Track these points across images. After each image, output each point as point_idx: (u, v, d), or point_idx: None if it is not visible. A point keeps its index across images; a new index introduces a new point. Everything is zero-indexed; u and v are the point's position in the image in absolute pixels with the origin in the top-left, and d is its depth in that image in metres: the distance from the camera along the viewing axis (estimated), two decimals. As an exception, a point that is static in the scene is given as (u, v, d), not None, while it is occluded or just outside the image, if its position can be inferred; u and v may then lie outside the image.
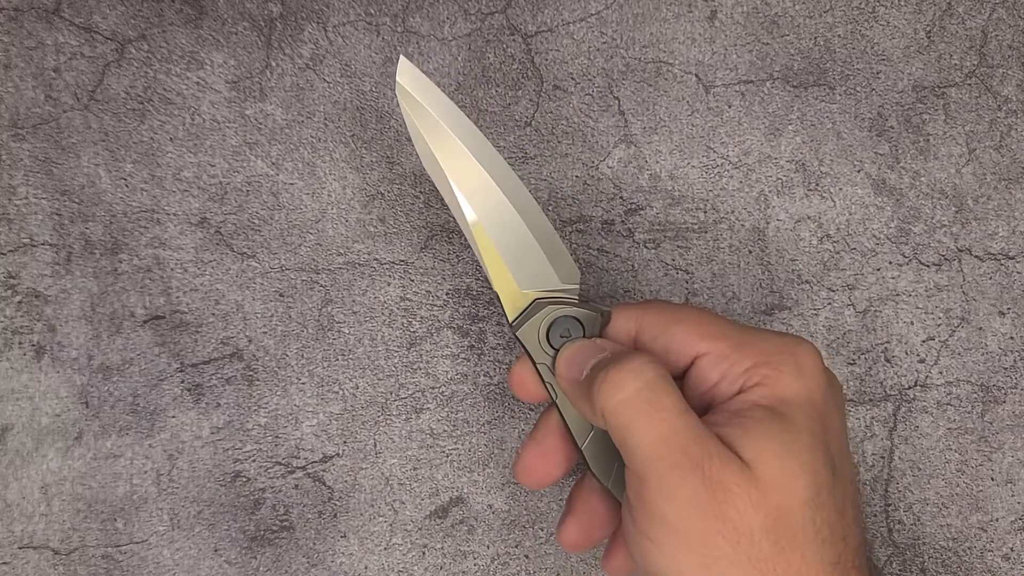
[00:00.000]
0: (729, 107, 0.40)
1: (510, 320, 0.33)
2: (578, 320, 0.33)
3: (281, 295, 0.40)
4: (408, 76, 0.33)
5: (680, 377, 0.32)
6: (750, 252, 0.40)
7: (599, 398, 0.29)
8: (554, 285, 0.33)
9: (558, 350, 0.32)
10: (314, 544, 0.40)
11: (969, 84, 0.40)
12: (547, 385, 0.33)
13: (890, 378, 0.40)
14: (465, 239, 0.40)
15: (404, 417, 0.40)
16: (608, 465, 0.33)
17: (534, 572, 0.40)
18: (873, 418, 0.40)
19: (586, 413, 0.31)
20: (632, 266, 0.40)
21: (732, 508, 0.28)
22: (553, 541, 0.40)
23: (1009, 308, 0.40)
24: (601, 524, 0.34)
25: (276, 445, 0.40)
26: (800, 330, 0.40)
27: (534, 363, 0.33)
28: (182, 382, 0.40)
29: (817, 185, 0.40)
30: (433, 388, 0.40)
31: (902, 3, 0.40)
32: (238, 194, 0.40)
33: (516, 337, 0.33)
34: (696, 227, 0.40)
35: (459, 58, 0.40)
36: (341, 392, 0.40)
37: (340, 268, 0.40)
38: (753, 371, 0.30)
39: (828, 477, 0.29)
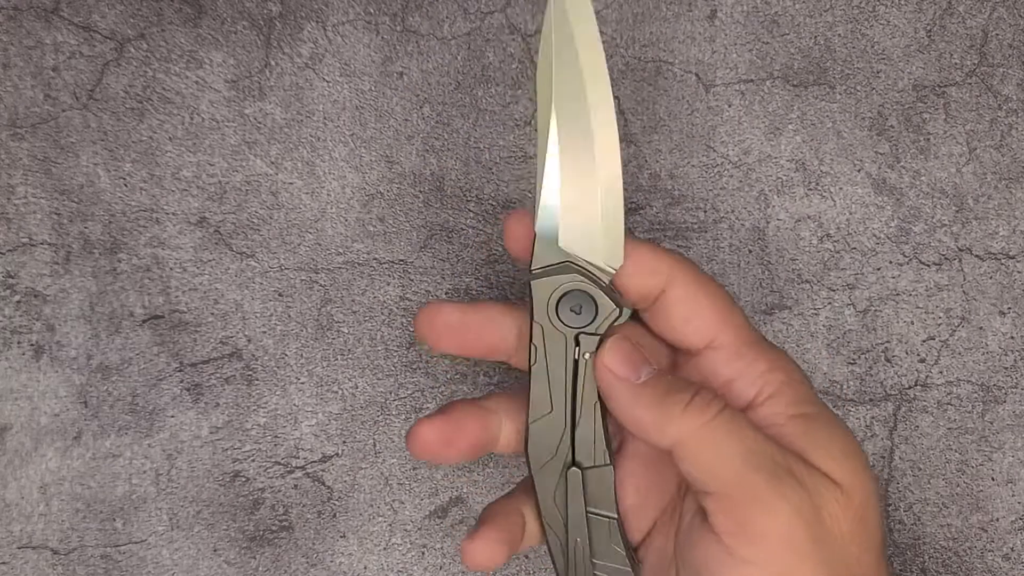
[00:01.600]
0: (729, 106, 0.40)
1: (532, 267, 0.31)
2: (594, 303, 0.31)
3: (280, 295, 0.40)
4: None
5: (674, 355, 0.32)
6: (750, 251, 0.40)
7: (682, 420, 0.28)
8: (593, 258, 0.31)
9: (560, 324, 0.31)
10: (313, 544, 0.40)
11: (970, 83, 0.40)
12: (531, 346, 0.31)
13: (890, 378, 0.40)
14: (465, 240, 0.40)
15: (404, 417, 0.40)
16: (546, 452, 0.31)
17: (534, 572, 0.40)
18: (873, 418, 0.40)
19: (642, 415, 0.29)
20: (632, 266, 0.40)
21: (827, 513, 0.27)
22: (553, 541, 0.40)
23: (1010, 308, 0.40)
24: (513, 545, 0.32)
25: (275, 445, 0.40)
26: (800, 330, 0.40)
27: (532, 321, 0.31)
28: (181, 382, 0.40)
29: (817, 184, 0.40)
30: (433, 388, 0.40)
31: (902, 2, 0.40)
32: (237, 193, 0.40)
33: (529, 285, 0.31)
34: (696, 226, 0.40)
35: (458, 57, 0.40)
36: (340, 392, 0.40)
37: (339, 268, 0.40)
38: (768, 376, 0.30)
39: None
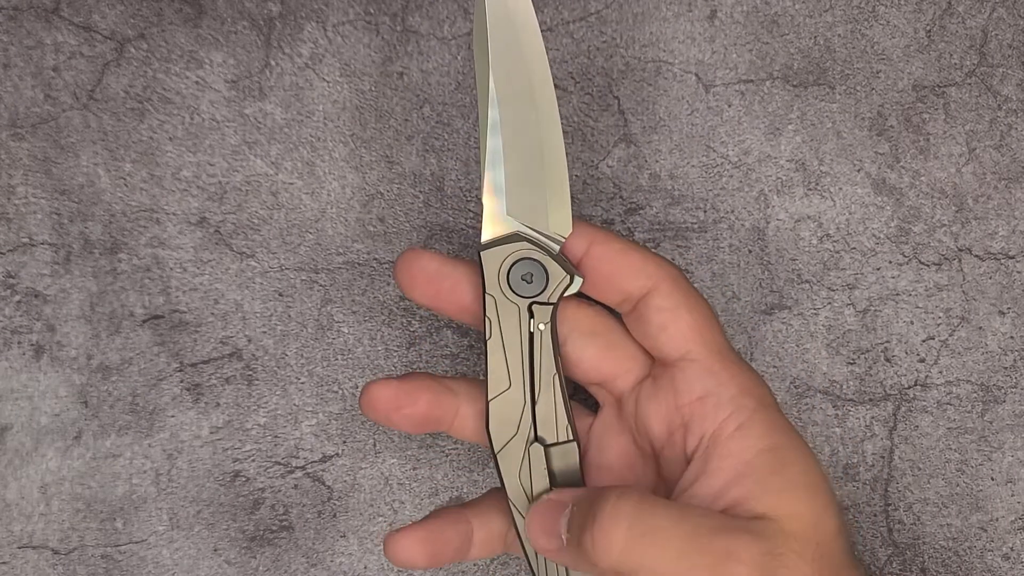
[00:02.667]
0: (729, 106, 0.40)
1: (482, 239, 0.31)
2: (545, 271, 0.31)
3: (280, 295, 0.40)
4: None
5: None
6: (750, 252, 0.40)
7: (602, 559, 0.28)
8: (542, 227, 0.31)
9: (513, 293, 0.31)
10: (313, 544, 0.40)
11: (969, 83, 0.40)
12: (486, 320, 0.31)
13: (890, 378, 0.40)
14: (465, 240, 0.40)
15: (404, 417, 0.40)
16: (508, 429, 0.31)
17: (519, 573, 0.40)
18: (873, 418, 0.40)
19: (580, 568, 0.29)
20: (632, 266, 0.40)
21: (784, 569, 0.27)
22: (553, 541, 0.40)
23: (1009, 308, 0.40)
24: (444, 554, 0.32)
25: (275, 445, 0.40)
26: (800, 330, 0.40)
27: (484, 293, 0.31)
28: (181, 382, 0.40)
29: (817, 184, 0.40)
30: (433, 388, 0.40)
31: (902, 2, 0.40)
32: (237, 193, 0.40)
33: (479, 257, 0.31)
34: (696, 227, 0.40)
35: (459, 57, 0.40)
36: (340, 392, 0.40)
37: (339, 268, 0.40)
38: (740, 401, 0.30)
39: (839, 504, 0.30)
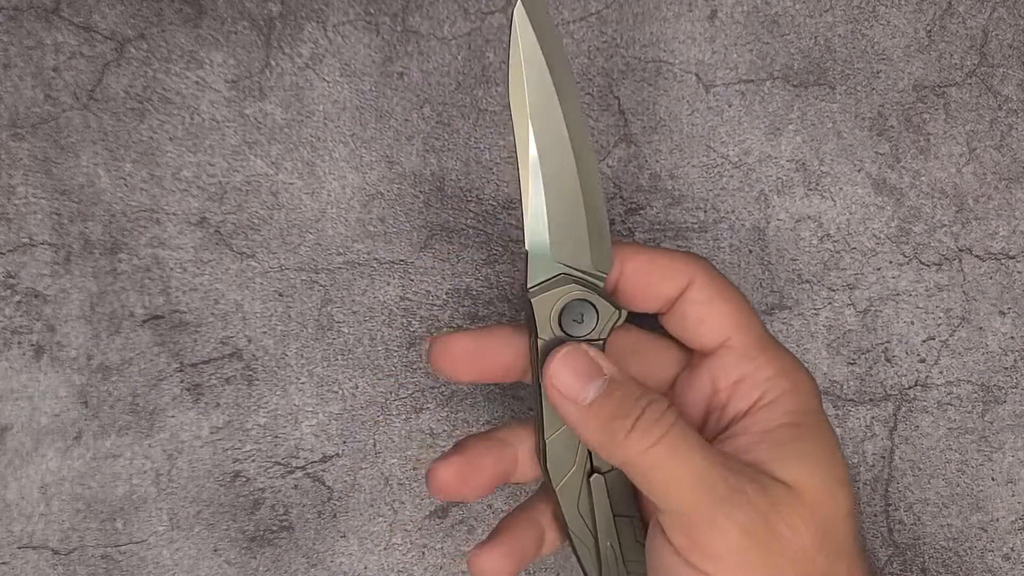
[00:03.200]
0: (729, 106, 0.40)
1: (529, 284, 0.31)
2: (595, 309, 0.31)
3: (280, 295, 0.40)
4: (531, 2, 0.30)
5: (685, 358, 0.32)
6: (750, 252, 0.40)
7: (627, 444, 0.28)
8: (585, 266, 0.31)
9: (564, 335, 0.31)
10: (314, 544, 0.40)
11: (970, 83, 0.40)
12: (538, 364, 0.31)
13: (890, 378, 0.40)
14: (465, 240, 0.40)
15: (404, 417, 0.40)
16: (565, 465, 0.32)
17: (534, 572, 0.40)
18: (873, 418, 0.40)
19: (590, 439, 0.30)
20: (632, 266, 0.40)
21: (785, 527, 0.28)
22: (553, 541, 0.40)
23: (1009, 308, 0.40)
24: (525, 559, 0.33)
25: (275, 445, 0.40)
26: (800, 330, 0.40)
27: (535, 337, 0.31)
28: (181, 382, 0.40)
29: (817, 185, 0.40)
30: (433, 388, 0.40)
31: (902, 2, 0.40)
32: (237, 194, 0.40)
33: (529, 303, 0.31)
34: (696, 227, 0.40)
35: (459, 57, 0.40)
36: (341, 392, 0.40)
37: (340, 268, 0.40)
38: (774, 382, 0.31)
39: (854, 491, 0.30)
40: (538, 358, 0.31)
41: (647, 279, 0.32)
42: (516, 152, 0.31)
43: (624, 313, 0.31)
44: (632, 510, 0.32)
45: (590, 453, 0.32)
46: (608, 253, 0.31)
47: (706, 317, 0.31)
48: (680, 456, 0.28)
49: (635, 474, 0.29)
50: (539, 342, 0.31)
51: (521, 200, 0.31)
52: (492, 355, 0.32)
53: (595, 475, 0.32)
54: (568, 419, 0.30)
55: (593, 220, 0.31)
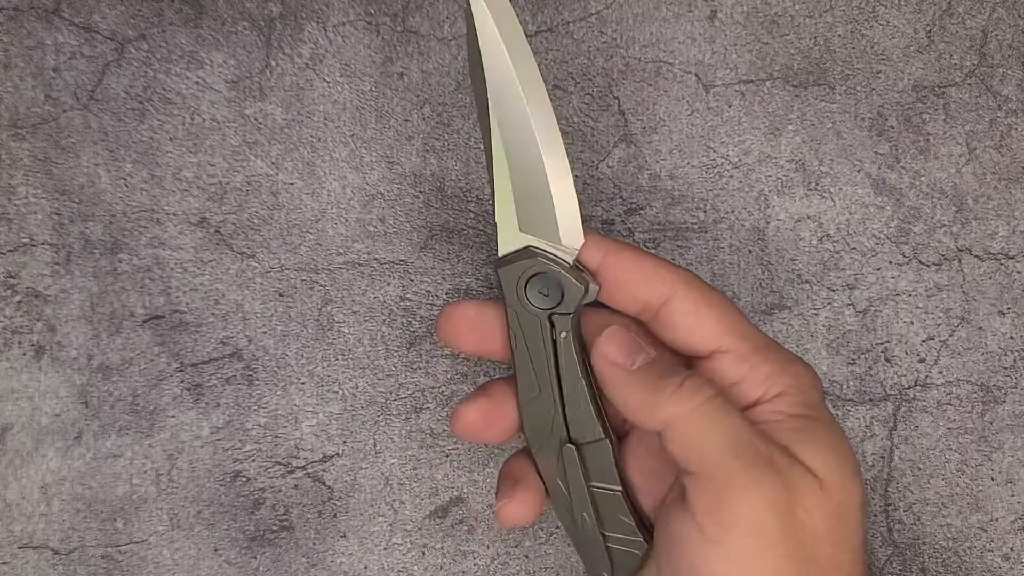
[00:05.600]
0: (729, 107, 0.40)
1: (498, 255, 0.32)
2: (560, 284, 0.32)
3: (281, 295, 0.40)
4: None
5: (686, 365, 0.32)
6: (750, 252, 0.40)
7: (671, 401, 0.29)
8: (553, 240, 0.32)
9: (532, 307, 0.32)
10: (314, 544, 0.40)
11: (969, 84, 0.40)
12: (510, 333, 0.32)
13: (890, 378, 0.40)
14: (466, 240, 0.40)
15: (404, 417, 0.40)
16: (541, 432, 0.33)
17: (534, 572, 0.40)
18: (873, 418, 0.40)
19: (632, 400, 0.30)
20: (632, 266, 0.40)
21: (801, 508, 0.28)
22: (553, 540, 0.40)
23: (1009, 308, 0.40)
24: (539, 501, 0.34)
25: (276, 445, 0.40)
26: (800, 330, 0.40)
27: (506, 308, 0.32)
28: (182, 382, 0.40)
29: (817, 185, 0.40)
30: (433, 388, 0.40)
31: (902, 3, 0.40)
32: (238, 194, 0.40)
33: (497, 274, 0.32)
34: (696, 227, 0.40)
35: (459, 58, 0.40)
36: (341, 392, 0.40)
37: (340, 268, 0.40)
38: (774, 379, 0.31)
39: (865, 485, 0.30)
40: (510, 329, 0.32)
41: (628, 276, 0.32)
42: (480, 127, 0.32)
43: (592, 289, 0.32)
44: (615, 483, 0.33)
45: (566, 424, 0.33)
46: (578, 229, 0.32)
47: (695, 326, 0.31)
48: (719, 420, 0.29)
49: (674, 435, 0.29)
50: (508, 312, 0.32)
51: (488, 173, 0.32)
52: (492, 322, 0.33)
53: (568, 445, 0.32)
54: (613, 384, 0.31)
55: (561, 194, 0.32)
